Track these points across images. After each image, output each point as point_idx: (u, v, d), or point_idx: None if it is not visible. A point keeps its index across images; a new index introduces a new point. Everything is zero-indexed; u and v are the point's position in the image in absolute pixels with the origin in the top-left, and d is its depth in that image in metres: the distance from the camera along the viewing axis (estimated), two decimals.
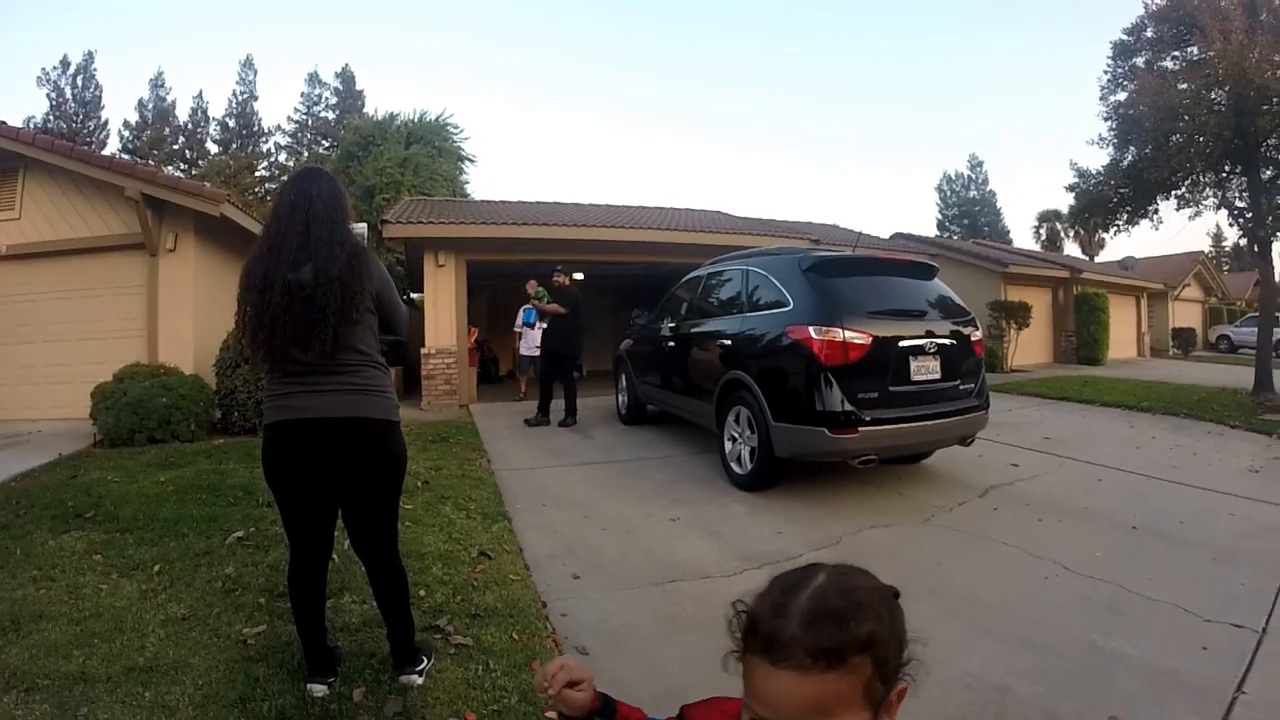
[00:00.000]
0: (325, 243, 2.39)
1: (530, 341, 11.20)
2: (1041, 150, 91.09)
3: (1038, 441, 7.50)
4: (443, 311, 11.62)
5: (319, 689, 2.51)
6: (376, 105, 45.42)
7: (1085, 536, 4.49)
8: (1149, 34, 12.14)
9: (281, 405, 2.45)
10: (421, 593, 3.37)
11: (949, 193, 52.29)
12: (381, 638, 2.73)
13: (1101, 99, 12.77)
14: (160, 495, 5.13)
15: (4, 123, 8.78)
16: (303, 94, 43.30)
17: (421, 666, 2.62)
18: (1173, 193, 12.28)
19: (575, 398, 8.81)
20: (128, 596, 3.38)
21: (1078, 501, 5.30)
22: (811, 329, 5.08)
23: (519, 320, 11.91)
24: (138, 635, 2.96)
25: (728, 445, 5.87)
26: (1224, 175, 11.94)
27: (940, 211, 52.28)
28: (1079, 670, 2.84)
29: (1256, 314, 15.40)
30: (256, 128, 42.58)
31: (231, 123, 42.23)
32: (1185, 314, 28.36)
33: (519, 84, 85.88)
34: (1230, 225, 12.86)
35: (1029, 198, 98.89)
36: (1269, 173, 11.48)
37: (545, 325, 9.07)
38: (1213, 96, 10.78)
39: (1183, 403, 10.18)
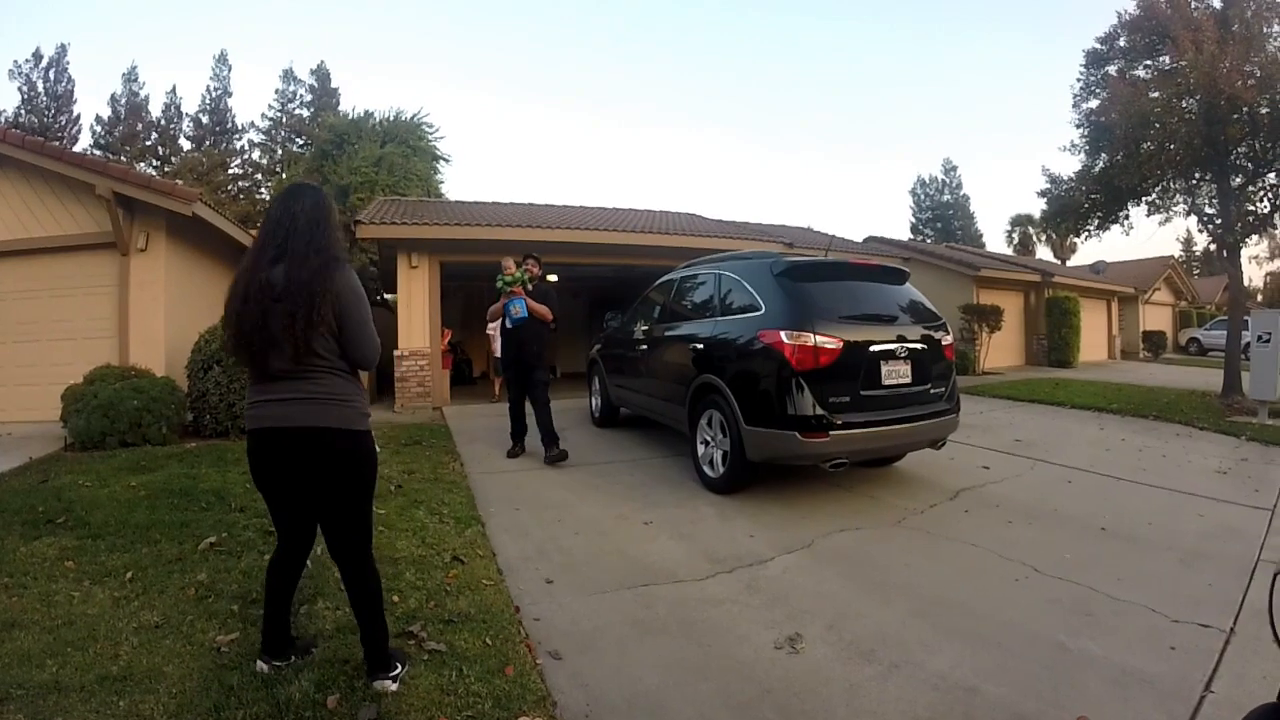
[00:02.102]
0: (300, 253, 2.46)
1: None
2: (1015, 155, 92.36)
3: (1009, 444, 7.59)
4: (416, 313, 11.58)
5: (264, 667, 2.67)
6: (352, 103, 45.21)
7: (1055, 538, 4.56)
8: (1122, 43, 12.35)
9: (255, 415, 2.56)
10: (395, 598, 3.36)
11: (923, 196, 52.86)
12: (355, 644, 2.73)
13: (1074, 106, 13.01)
14: (132, 500, 5.09)
15: None
16: (277, 90, 42.97)
17: (395, 673, 2.62)
18: (1143, 199, 12.52)
19: (550, 419, 6.87)
20: (100, 604, 3.35)
21: (1048, 503, 5.37)
22: (783, 333, 5.10)
23: (495, 320, 9.04)
24: (111, 643, 2.93)
25: (700, 448, 5.88)
26: (1194, 182, 12.16)
27: (914, 215, 52.90)
28: (1047, 671, 2.87)
29: (1226, 317, 15.66)
30: (230, 124, 42.10)
31: (205, 119, 41.72)
32: (1156, 317, 28.82)
33: (494, 83, 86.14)
34: (1200, 231, 13.07)
35: (1002, 202, 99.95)
36: (1238, 180, 11.72)
37: (509, 325, 7.02)
38: (1184, 105, 11.00)
39: (1152, 405, 10.34)
